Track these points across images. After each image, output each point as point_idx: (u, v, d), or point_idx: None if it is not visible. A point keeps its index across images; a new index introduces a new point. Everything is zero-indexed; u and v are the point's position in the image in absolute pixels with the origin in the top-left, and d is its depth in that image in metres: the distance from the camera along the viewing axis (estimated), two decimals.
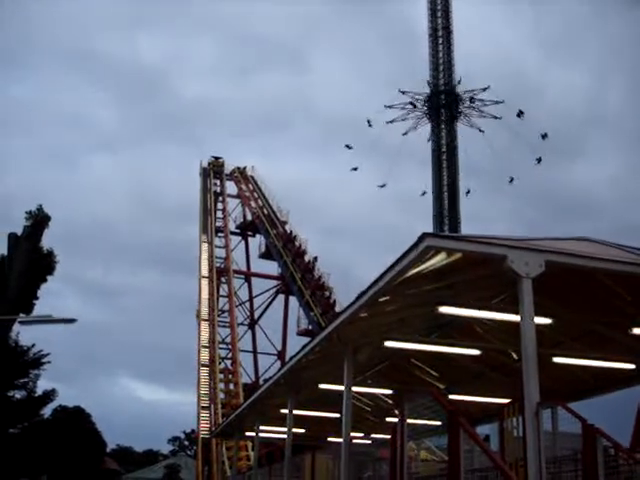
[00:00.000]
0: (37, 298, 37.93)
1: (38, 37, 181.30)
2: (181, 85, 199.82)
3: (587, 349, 14.14)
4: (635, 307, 12.32)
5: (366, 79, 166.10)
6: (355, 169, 69.07)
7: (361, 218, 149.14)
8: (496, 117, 66.56)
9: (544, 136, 64.55)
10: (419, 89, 67.42)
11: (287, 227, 60.04)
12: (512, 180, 65.61)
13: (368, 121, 68.31)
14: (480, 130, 66.77)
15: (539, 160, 64.87)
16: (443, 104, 66.24)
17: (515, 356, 14.20)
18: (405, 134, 68.16)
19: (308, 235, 59.92)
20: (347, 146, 69.11)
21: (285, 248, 57.33)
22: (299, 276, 54.14)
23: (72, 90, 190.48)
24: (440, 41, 66.72)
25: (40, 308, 37.18)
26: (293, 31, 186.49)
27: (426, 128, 67.67)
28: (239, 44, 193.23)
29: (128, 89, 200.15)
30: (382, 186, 69.17)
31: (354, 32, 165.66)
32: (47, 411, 45.32)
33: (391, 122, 68.39)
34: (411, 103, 67.07)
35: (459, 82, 66.25)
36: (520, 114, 64.49)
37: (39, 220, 37.98)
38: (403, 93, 67.78)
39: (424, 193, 66.46)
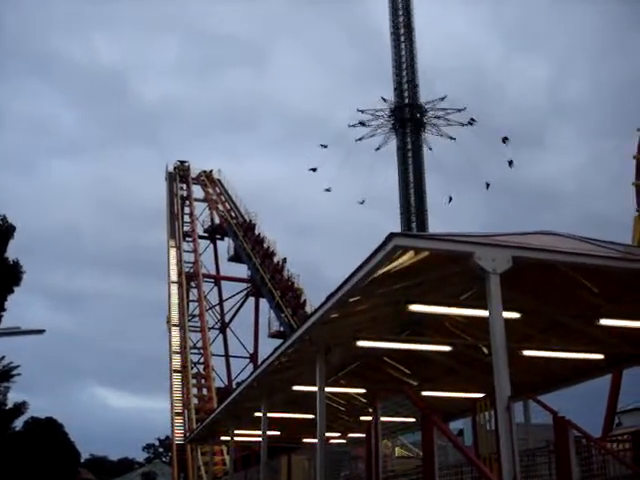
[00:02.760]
0: (4, 310, 37.54)
1: None
2: (142, 86, 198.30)
3: (556, 341, 14.32)
4: (601, 299, 12.51)
5: (329, 76, 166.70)
6: (314, 170, 69.18)
7: (328, 216, 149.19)
8: (452, 138, 67.26)
9: (505, 140, 65.29)
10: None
11: (255, 229, 59.98)
12: (488, 186, 66.25)
13: (362, 122, 68.62)
14: (446, 137, 67.36)
15: (510, 163, 65.47)
16: (408, 118, 66.63)
17: (486, 351, 14.31)
18: (359, 140, 68.71)
19: (275, 235, 59.95)
20: (322, 145, 69.13)
21: (254, 250, 57.25)
22: (269, 278, 54.09)
23: (30, 93, 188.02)
24: (402, 39, 67.03)
25: (6, 319, 36.84)
26: (254, 29, 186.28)
27: (387, 133, 68.26)
28: (200, 43, 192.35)
29: (88, 91, 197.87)
30: (328, 190, 69.48)
31: (316, 29, 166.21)
32: (19, 423, 44.85)
33: (354, 126, 68.81)
34: (395, 113, 67.13)
35: (443, 99, 66.85)
36: (505, 140, 65.18)
37: (4, 230, 37.54)
38: (362, 112, 68.31)
39: (363, 202, 67.49)
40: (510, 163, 65.24)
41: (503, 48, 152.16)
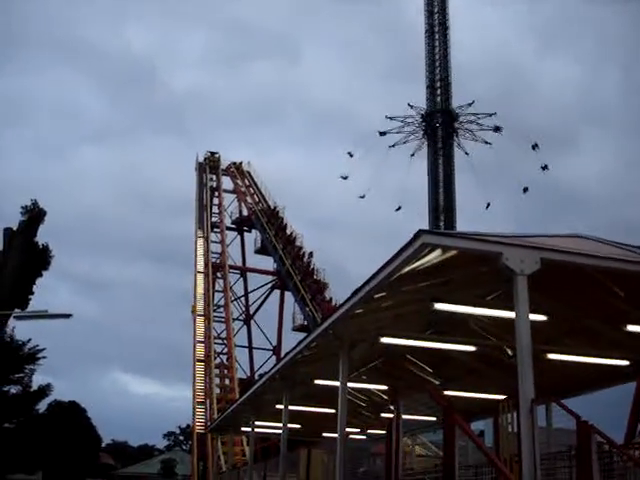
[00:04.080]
0: (32, 293, 37.92)
1: (26, 28, 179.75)
2: (171, 76, 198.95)
3: (582, 345, 14.18)
4: (629, 304, 12.36)
5: (359, 72, 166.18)
6: (345, 178, 69.70)
7: (354, 211, 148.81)
8: (487, 142, 67.17)
9: (535, 146, 65.04)
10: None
11: (282, 223, 60.11)
12: (526, 190, 66.11)
13: (381, 132, 68.96)
14: (466, 153, 67.38)
15: (545, 168, 65.12)
16: (439, 123, 66.61)
17: (510, 352, 14.24)
18: (392, 146, 68.90)
19: (300, 229, 59.88)
20: (349, 154, 69.42)
21: (280, 243, 57.40)
22: (295, 272, 54.21)
23: (60, 81, 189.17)
24: (437, 37, 66.78)
25: (33, 302, 37.21)
26: (284, 21, 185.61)
27: (420, 138, 68.44)
28: (229, 34, 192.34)
29: (117, 80, 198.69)
30: (362, 197, 70.07)
31: (346, 22, 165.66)
32: (42, 406, 45.28)
33: (384, 134, 69.06)
34: (426, 119, 67.24)
35: (471, 103, 66.81)
36: (535, 147, 65.07)
37: (34, 215, 37.93)
38: (391, 119, 68.67)
39: (363, 196, 67.97)
40: (544, 168, 64.96)
41: (536, 47, 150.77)
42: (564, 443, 11.08)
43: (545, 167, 64.99)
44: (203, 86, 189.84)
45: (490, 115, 66.50)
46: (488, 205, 66.16)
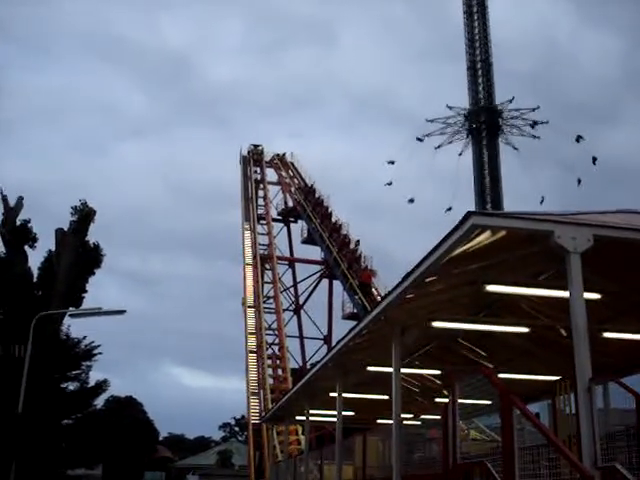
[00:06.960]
0: (86, 291, 38.49)
1: (63, 25, 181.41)
2: (208, 67, 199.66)
3: (637, 323, 13.95)
4: None
5: (397, 53, 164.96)
6: (392, 162, 69.72)
7: (396, 197, 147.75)
8: (536, 137, 66.49)
9: (594, 160, 64.05)
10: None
11: (328, 211, 60.07)
12: (542, 200, 65.58)
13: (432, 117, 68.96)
14: (515, 148, 66.85)
15: (579, 139, 64.02)
16: (483, 121, 66.15)
17: (564, 332, 14.09)
18: (426, 136, 68.74)
19: (341, 215, 59.66)
20: (418, 139, 69.27)
21: (327, 233, 57.41)
22: (342, 260, 54.18)
23: (99, 77, 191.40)
24: (475, 17, 66.04)
25: (86, 300, 37.81)
26: (320, 7, 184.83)
27: (459, 131, 68.10)
28: (265, 22, 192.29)
29: (155, 73, 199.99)
30: (389, 184, 70.03)
31: (382, 4, 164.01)
32: (100, 401, 46.04)
33: (431, 120, 68.84)
34: (469, 119, 66.93)
35: (511, 100, 66.41)
36: (579, 139, 64.17)
37: (84, 215, 38.49)
38: (451, 108, 68.36)
39: (412, 200, 67.64)
40: (578, 139, 63.94)
41: (575, 21, 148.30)
42: (620, 423, 10.94)
43: (579, 138, 63.93)
44: (241, 76, 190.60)
45: (533, 110, 65.93)
46: (542, 200, 65.46)
